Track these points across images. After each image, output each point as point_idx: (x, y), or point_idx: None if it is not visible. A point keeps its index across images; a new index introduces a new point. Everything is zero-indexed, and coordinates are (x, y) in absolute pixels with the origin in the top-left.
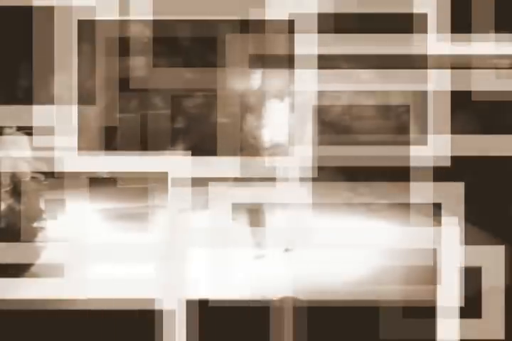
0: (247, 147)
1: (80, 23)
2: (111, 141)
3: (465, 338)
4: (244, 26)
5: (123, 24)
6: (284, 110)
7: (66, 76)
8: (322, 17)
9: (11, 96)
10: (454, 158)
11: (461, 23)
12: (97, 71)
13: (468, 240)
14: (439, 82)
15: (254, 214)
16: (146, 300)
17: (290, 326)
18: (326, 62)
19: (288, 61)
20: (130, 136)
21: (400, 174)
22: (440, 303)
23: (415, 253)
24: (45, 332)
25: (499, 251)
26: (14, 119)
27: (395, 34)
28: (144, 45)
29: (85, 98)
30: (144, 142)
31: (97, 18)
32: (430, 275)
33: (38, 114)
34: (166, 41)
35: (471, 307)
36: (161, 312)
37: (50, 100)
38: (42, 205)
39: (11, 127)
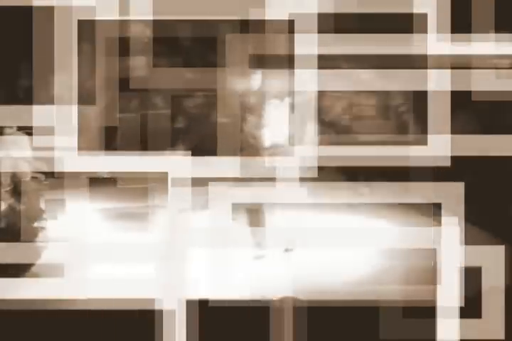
0: (247, 147)
1: (80, 23)
2: (111, 141)
3: (465, 338)
4: (244, 26)
5: (123, 24)
6: (284, 110)
7: (66, 76)
8: (322, 17)
9: (11, 96)
10: (454, 158)
11: (461, 23)
12: (97, 71)
13: (468, 240)
14: (439, 82)
15: (254, 214)
16: (146, 300)
17: (290, 326)
18: (326, 62)
19: (288, 61)
20: (130, 136)
21: (400, 174)
22: (440, 303)
23: (415, 253)
24: (46, 332)
25: (499, 251)
26: (14, 119)
27: (395, 34)
28: (144, 45)
29: (85, 98)
30: (144, 142)
31: (97, 18)
32: (430, 275)
33: (38, 113)
34: (166, 41)
35: (471, 307)
36: (161, 312)
37: (50, 100)
38: (42, 205)
39: (11, 127)
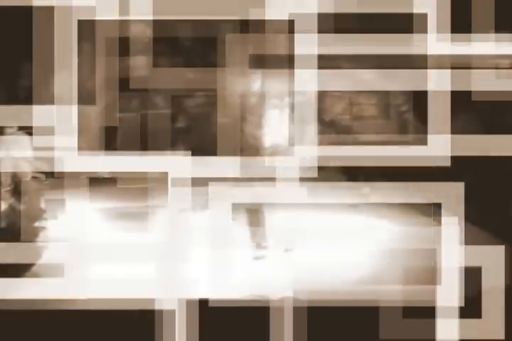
0: (248, 147)
1: (80, 23)
2: (111, 140)
3: (465, 338)
4: (244, 26)
5: (123, 24)
6: (284, 110)
7: (66, 76)
8: (322, 17)
9: (11, 96)
10: (454, 158)
11: (461, 23)
12: (97, 71)
13: (468, 240)
14: (439, 82)
15: (254, 214)
16: (146, 300)
17: (290, 326)
18: (326, 62)
19: (288, 61)
20: (130, 135)
21: (400, 174)
22: (440, 303)
23: (415, 253)
24: (46, 332)
25: (499, 251)
26: (15, 119)
27: (395, 34)
28: (145, 45)
29: (85, 98)
30: (144, 142)
31: (97, 18)
32: (430, 275)
33: (39, 113)
34: (166, 41)
35: (471, 307)
36: (161, 312)
37: (50, 100)
38: (42, 205)
39: (12, 127)
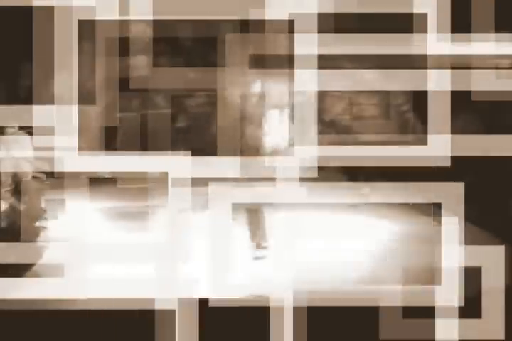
0: (248, 147)
1: (80, 23)
2: (111, 140)
3: (465, 338)
4: (244, 26)
5: (123, 24)
6: (284, 110)
7: (66, 76)
8: (322, 17)
9: (12, 96)
10: (454, 158)
11: (461, 23)
12: (97, 71)
13: (468, 240)
14: (439, 82)
15: (254, 214)
16: (146, 300)
17: (290, 326)
18: (326, 62)
19: (288, 61)
20: (130, 135)
21: (400, 174)
22: (440, 303)
23: (415, 253)
24: (46, 332)
25: (499, 251)
26: (15, 119)
27: (395, 34)
28: (145, 44)
29: (85, 98)
30: (144, 142)
31: (97, 18)
32: (430, 275)
33: (39, 113)
34: (166, 41)
35: (471, 307)
36: (161, 312)
37: (50, 100)
38: (43, 205)
39: (12, 127)
